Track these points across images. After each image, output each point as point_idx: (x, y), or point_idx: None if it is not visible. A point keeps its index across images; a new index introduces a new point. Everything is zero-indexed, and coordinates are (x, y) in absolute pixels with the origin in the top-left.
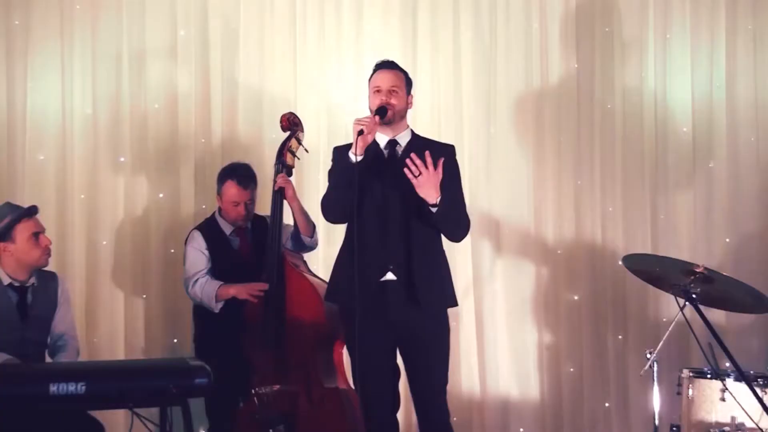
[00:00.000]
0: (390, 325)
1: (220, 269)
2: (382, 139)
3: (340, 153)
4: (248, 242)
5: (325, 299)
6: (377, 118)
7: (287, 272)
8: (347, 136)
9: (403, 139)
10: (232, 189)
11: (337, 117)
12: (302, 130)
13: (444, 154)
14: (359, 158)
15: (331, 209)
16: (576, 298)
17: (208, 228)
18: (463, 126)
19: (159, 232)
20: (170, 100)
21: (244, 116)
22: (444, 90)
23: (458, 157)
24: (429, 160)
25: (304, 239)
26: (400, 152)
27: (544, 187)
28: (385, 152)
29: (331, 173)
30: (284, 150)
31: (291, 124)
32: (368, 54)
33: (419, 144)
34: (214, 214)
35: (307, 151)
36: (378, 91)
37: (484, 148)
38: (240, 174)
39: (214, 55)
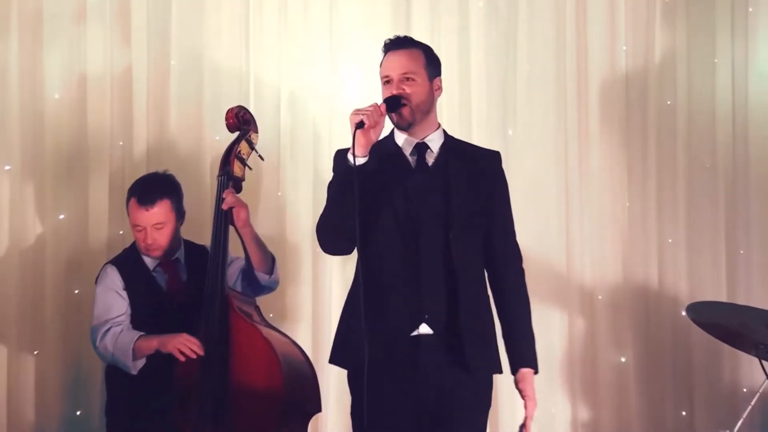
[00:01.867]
0: (421, 396)
1: (141, 316)
2: (407, 141)
3: (341, 157)
4: (180, 280)
5: (331, 362)
6: (384, 107)
7: (233, 322)
8: (316, 139)
9: (435, 141)
10: (133, 209)
11: (303, 112)
12: (256, 130)
13: (490, 164)
14: (361, 160)
15: (326, 234)
16: (623, 360)
17: (127, 261)
18: (472, 126)
19: (58, 265)
20: (76, 87)
21: (178, 110)
22: (447, 78)
23: None
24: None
25: (259, 278)
26: (431, 160)
27: (581, 211)
28: (412, 159)
29: (329, 188)
30: (231, 156)
31: (240, 121)
32: (346, 27)
33: (456, 149)
34: (134, 243)
35: (262, 158)
36: (388, 81)
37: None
38: (143, 188)
39: (138, 25)
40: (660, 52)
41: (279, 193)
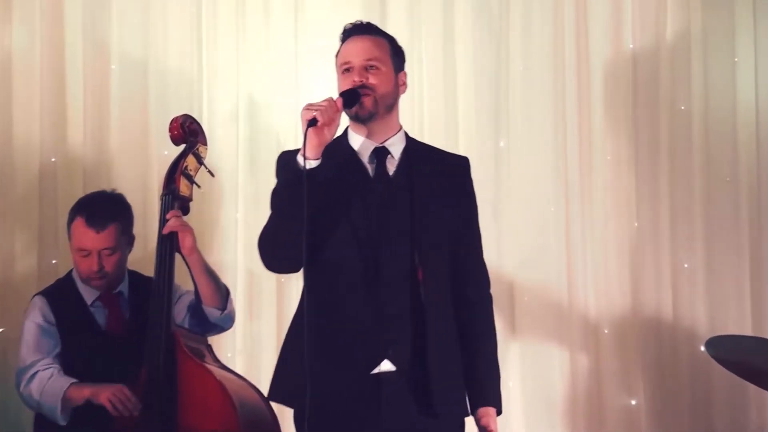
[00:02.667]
0: None
1: (75, 357)
2: (364, 145)
3: (284, 162)
4: (122, 316)
5: (270, 398)
6: (340, 101)
7: (181, 363)
8: (280, 152)
9: (396, 146)
10: (79, 230)
11: (264, 121)
12: (204, 142)
13: (458, 172)
14: (313, 163)
15: (269, 248)
16: (633, 402)
17: (60, 293)
18: (458, 136)
19: None
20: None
21: (119, 121)
22: (429, 81)
23: None
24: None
25: (208, 314)
26: (393, 167)
27: (583, 232)
28: (370, 167)
29: (272, 197)
30: (176, 173)
31: (186, 132)
32: (313, 26)
33: (421, 154)
34: (70, 272)
35: (212, 174)
36: (348, 69)
37: (490, 171)
38: (93, 207)
39: (72, 25)
40: (672, 50)
41: (237, 215)
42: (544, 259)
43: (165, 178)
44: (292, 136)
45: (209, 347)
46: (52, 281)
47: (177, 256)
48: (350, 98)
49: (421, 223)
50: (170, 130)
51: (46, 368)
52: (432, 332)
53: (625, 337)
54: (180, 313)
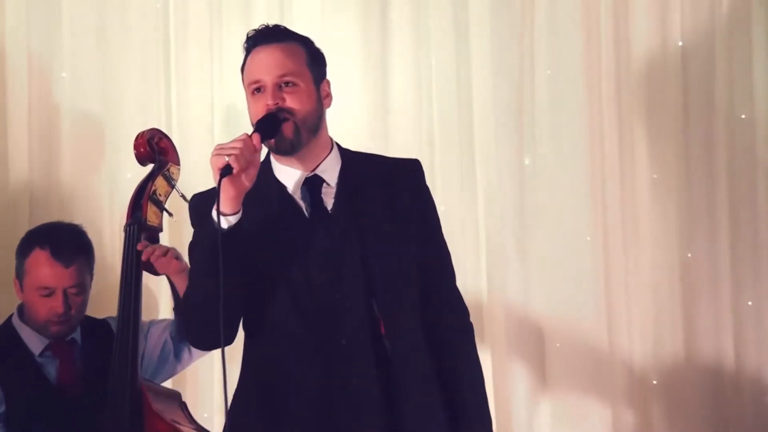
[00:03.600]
0: None
1: (21, 417)
2: (292, 177)
3: (201, 209)
4: (75, 368)
5: None
6: (257, 138)
7: (149, 424)
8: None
9: (331, 170)
10: (41, 265)
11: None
12: (177, 162)
13: (408, 180)
14: (230, 221)
15: (192, 323)
16: None
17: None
18: (475, 153)
19: None
20: None
21: (71, 138)
22: (439, 88)
23: (463, 211)
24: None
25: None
26: (330, 199)
27: (627, 266)
28: (303, 205)
29: (190, 255)
30: (143, 199)
31: (154, 150)
32: (302, 22)
33: (360, 170)
34: (10, 318)
35: (186, 199)
36: (258, 89)
37: (512, 194)
38: (57, 240)
39: (14, 25)
40: (730, 47)
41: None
42: (579, 298)
43: (130, 204)
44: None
45: (183, 404)
46: None
47: (143, 294)
48: (269, 128)
49: (375, 262)
50: (135, 146)
51: None
52: (408, 401)
53: (678, 389)
54: (157, 345)
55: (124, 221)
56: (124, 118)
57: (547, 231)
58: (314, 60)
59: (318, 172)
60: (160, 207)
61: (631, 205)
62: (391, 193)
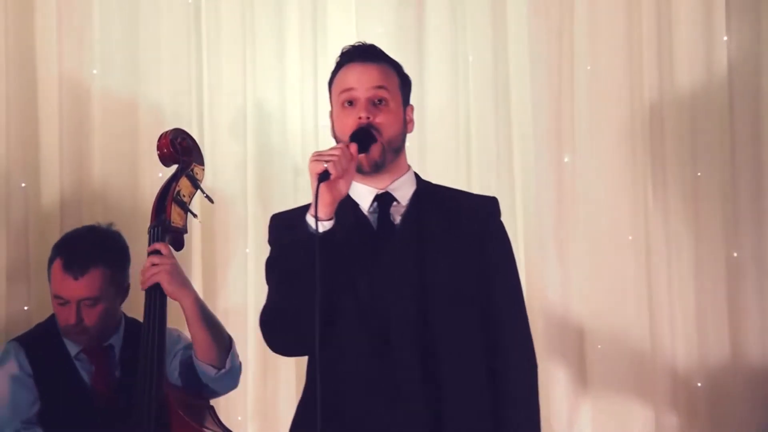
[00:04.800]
0: None
1: (55, 416)
2: (363, 192)
3: (283, 225)
4: (110, 374)
5: None
6: (354, 148)
7: (174, 426)
8: (297, 171)
9: (403, 189)
10: (56, 275)
11: (278, 133)
12: (201, 162)
13: (482, 217)
14: (325, 226)
15: (281, 331)
16: None
17: (38, 341)
18: (512, 151)
19: None
20: None
21: (103, 138)
22: (476, 84)
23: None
24: None
25: (200, 371)
26: (399, 216)
27: (669, 265)
28: (372, 218)
29: (272, 268)
30: (167, 200)
31: (178, 150)
32: (334, 20)
33: (434, 198)
34: (52, 316)
35: (210, 200)
36: (350, 101)
37: (551, 193)
38: (73, 247)
39: (45, 23)
40: None
41: (246, 250)
42: (620, 299)
43: (153, 206)
44: (311, 153)
45: (211, 409)
46: (21, 331)
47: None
48: (365, 140)
49: (434, 278)
50: (159, 147)
51: (25, 429)
52: (455, 417)
53: (723, 392)
54: (175, 369)
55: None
56: (155, 117)
57: (587, 230)
58: (404, 84)
59: (389, 189)
60: (185, 208)
61: (674, 203)
62: (461, 225)
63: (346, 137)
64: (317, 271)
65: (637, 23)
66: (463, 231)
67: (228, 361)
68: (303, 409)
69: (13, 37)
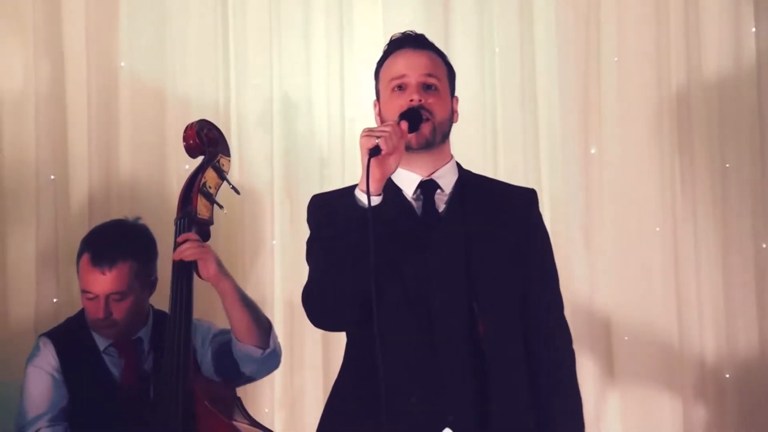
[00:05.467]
0: None
1: (84, 413)
2: (408, 178)
3: (324, 206)
4: (139, 368)
5: None
6: (405, 125)
7: (202, 421)
8: (323, 163)
9: (447, 177)
10: (84, 269)
11: (305, 125)
12: (227, 153)
13: (522, 207)
14: (376, 200)
15: (329, 305)
16: None
17: (68, 335)
18: (539, 141)
19: None
20: None
21: (131, 130)
22: (503, 73)
23: None
24: None
25: (245, 353)
26: (442, 204)
27: (697, 257)
28: (416, 204)
29: (313, 248)
30: (193, 191)
31: (204, 141)
32: (361, 10)
33: (476, 187)
34: (82, 311)
35: (237, 192)
36: (401, 86)
37: (578, 184)
38: (100, 242)
39: (73, 20)
40: None
41: (273, 242)
42: (647, 291)
43: (180, 197)
44: (337, 146)
45: (238, 400)
46: (51, 324)
47: (198, 288)
48: (415, 119)
49: (479, 266)
50: (185, 138)
51: (49, 426)
52: (498, 394)
53: (752, 383)
54: (206, 355)
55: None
56: (182, 109)
57: (614, 221)
58: (450, 74)
59: (434, 177)
60: (211, 199)
61: (702, 194)
62: (502, 214)
63: (394, 118)
64: (371, 242)
65: (664, 13)
66: (506, 221)
67: (270, 341)
68: (338, 392)
69: (42, 32)
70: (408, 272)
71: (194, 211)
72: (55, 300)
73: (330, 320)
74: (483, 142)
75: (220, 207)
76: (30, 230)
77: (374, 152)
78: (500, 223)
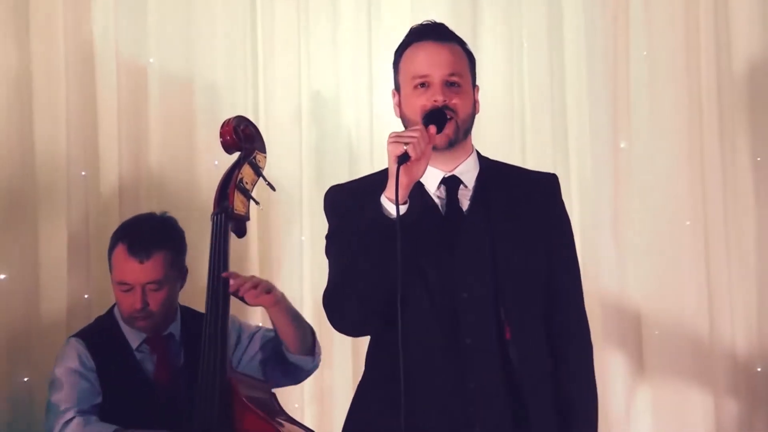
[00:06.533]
0: None
1: (117, 411)
2: (430, 175)
3: (349, 200)
4: (172, 364)
5: None
6: (433, 130)
7: (239, 417)
8: (353, 159)
9: (469, 172)
10: (120, 260)
11: (334, 122)
12: (263, 150)
13: (544, 194)
14: (402, 208)
15: (350, 310)
16: None
17: (100, 335)
18: (568, 136)
19: None
20: (15, 100)
21: (161, 126)
22: (531, 68)
23: None
24: None
25: (299, 363)
26: (466, 201)
27: (728, 251)
28: (439, 202)
29: (334, 243)
30: (230, 187)
31: (241, 138)
32: (389, 6)
33: (498, 177)
34: (111, 309)
35: (272, 187)
36: (423, 84)
37: (608, 179)
38: (137, 233)
39: (101, 11)
40: None
41: (302, 238)
42: (678, 284)
43: (216, 193)
44: (366, 142)
45: (273, 396)
46: (82, 320)
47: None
48: (440, 121)
49: (505, 267)
50: (222, 134)
51: (80, 415)
52: (528, 400)
53: None
54: (254, 357)
55: (212, 210)
56: (212, 105)
57: (644, 216)
58: (471, 63)
59: (456, 173)
60: (247, 195)
61: (733, 188)
62: (525, 204)
63: (416, 116)
64: (399, 256)
65: (693, 7)
66: (528, 211)
67: (316, 346)
68: (362, 393)
69: (71, 28)
70: (432, 274)
71: (231, 206)
72: (86, 296)
73: (348, 324)
74: (511, 138)
75: (257, 203)
76: (61, 226)
77: (403, 159)
78: (524, 216)
